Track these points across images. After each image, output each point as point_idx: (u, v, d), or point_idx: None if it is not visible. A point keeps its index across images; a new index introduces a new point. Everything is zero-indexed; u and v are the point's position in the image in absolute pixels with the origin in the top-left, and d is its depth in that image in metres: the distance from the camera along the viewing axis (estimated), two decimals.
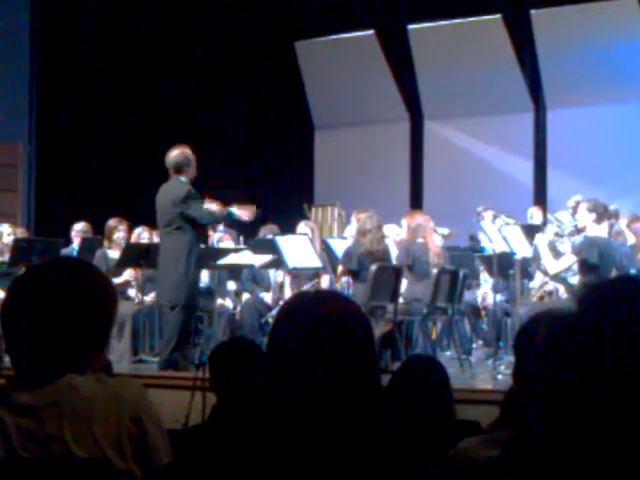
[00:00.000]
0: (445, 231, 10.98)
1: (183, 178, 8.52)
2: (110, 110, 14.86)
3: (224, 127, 15.31)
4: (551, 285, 9.13)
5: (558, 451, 1.35)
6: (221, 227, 10.17)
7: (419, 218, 9.50)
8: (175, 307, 8.46)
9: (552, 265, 8.34)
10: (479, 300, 10.50)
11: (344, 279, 9.25)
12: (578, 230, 8.61)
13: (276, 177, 15.78)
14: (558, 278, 8.62)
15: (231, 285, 10.45)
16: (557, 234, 8.89)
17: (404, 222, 9.59)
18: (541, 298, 9.22)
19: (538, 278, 9.38)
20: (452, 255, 9.92)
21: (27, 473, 2.19)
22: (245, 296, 10.15)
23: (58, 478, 2.17)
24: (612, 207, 9.49)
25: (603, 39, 13.42)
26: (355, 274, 8.94)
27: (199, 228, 8.62)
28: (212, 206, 8.82)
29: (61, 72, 14.71)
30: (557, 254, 8.57)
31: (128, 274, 10.09)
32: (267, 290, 10.16)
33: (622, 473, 1.30)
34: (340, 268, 9.15)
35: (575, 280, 8.46)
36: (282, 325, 1.93)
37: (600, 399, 1.30)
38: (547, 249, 8.48)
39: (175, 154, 8.54)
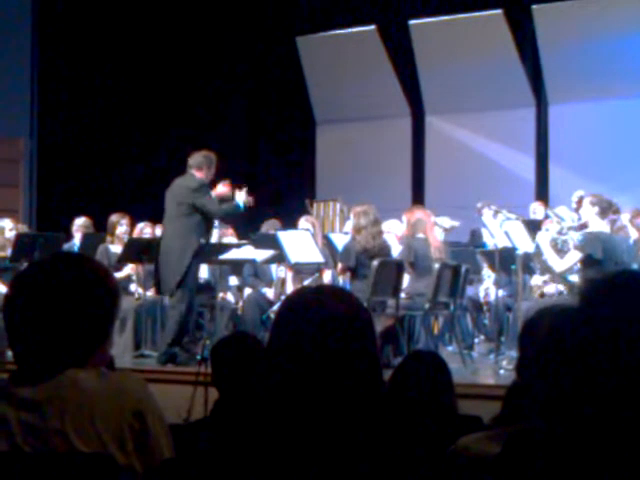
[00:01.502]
0: (445, 222, 10.86)
1: (198, 175, 8.73)
2: (111, 105, 14.85)
3: (226, 122, 15.30)
4: (552, 287, 9.10)
5: (559, 445, 1.36)
6: (216, 223, 10.16)
7: (419, 213, 9.48)
8: (174, 294, 8.57)
9: (557, 263, 8.28)
10: (481, 295, 10.49)
11: (343, 276, 9.24)
12: (581, 225, 8.56)
13: (278, 172, 15.76)
14: (561, 277, 8.58)
15: (233, 280, 10.45)
16: (560, 232, 8.83)
17: (404, 218, 9.58)
18: (541, 296, 9.20)
19: (537, 278, 9.35)
20: (454, 250, 9.91)
21: (29, 467, 2.19)
22: (247, 291, 10.14)
23: (60, 473, 2.18)
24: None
25: (605, 34, 13.39)
26: (353, 271, 8.92)
27: (206, 219, 8.71)
28: (224, 189, 8.91)
29: (63, 68, 14.70)
30: (560, 252, 8.53)
31: (129, 269, 10.11)
32: (269, 285, 10.15)
33: (623, 466, 1.30)
34: (339, 266, 9.12)
35: (575, 278, 8.42)
36: (284, 320, 1.93)
37: (601, 393, 1.30)
38: (550, 247, 8.44)
39: (199, 154, 8.83)
